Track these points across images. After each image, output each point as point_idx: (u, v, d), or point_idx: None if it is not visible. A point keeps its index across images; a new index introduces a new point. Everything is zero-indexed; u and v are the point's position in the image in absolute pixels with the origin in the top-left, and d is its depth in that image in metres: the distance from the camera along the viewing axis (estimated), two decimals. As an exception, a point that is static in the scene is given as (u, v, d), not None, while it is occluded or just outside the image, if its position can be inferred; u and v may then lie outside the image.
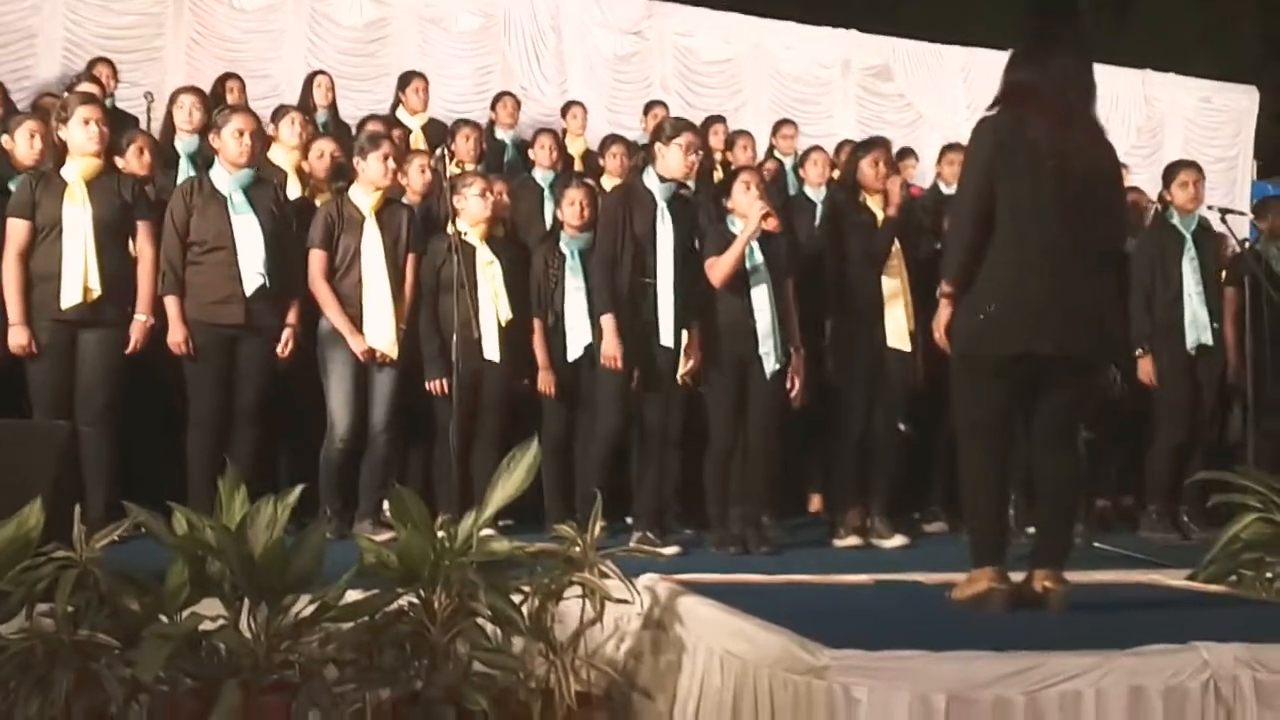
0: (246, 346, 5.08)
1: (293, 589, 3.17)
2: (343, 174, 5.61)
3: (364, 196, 5.33)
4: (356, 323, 5.21)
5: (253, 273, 5.02)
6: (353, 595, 3.27)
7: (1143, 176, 8.97)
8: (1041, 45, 3.75)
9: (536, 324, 5.64)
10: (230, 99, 7.13)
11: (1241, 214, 6.54)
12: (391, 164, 5.37)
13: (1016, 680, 2.72)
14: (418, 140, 7.67)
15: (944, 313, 3.75)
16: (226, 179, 5.10)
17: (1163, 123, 11.52)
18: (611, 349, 5.12)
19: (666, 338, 5.18)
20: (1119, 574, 4.54)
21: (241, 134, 5.11)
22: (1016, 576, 3.64)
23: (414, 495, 3.36)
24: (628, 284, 5.17)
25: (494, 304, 5.38)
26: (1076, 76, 3.72)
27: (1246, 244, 6.53)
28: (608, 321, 5.13)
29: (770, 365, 5.26)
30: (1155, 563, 4.89)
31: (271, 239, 5.09)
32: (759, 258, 5.32)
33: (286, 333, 5.15)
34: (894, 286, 5.65)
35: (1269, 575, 4.12)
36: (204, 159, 5.85)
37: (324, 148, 5.93)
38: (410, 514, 3.28)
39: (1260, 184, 11.56)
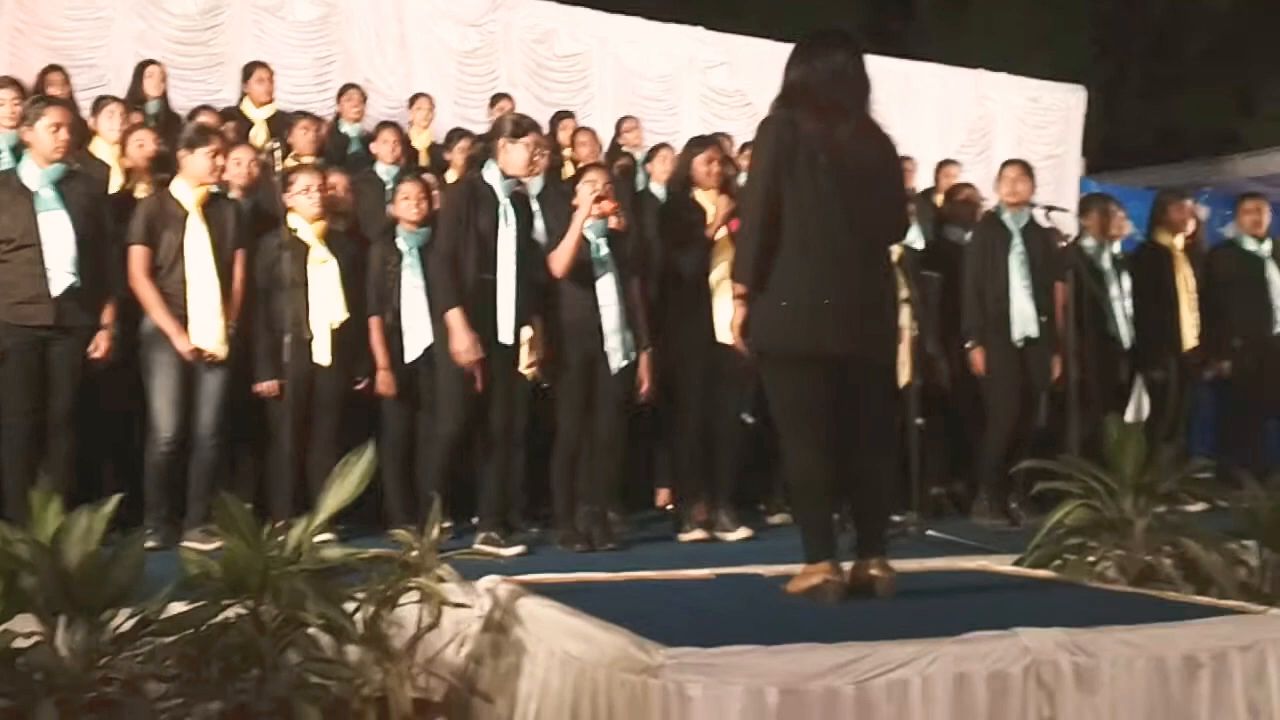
0: (58, 348, 4.87)
1: (111, 603, 3.03)
2: (165, 166, 5.40)
3: (187, 191, 5.14)
4: (182, 322, 5.02)
5: (62, 271, 4.81)
6: (177, 608, 3.15)
7: (975, 173, 9.25)
8: (814, 42, 3.79)
9: (374, 323, 5.52)
10: (53, 92, 6.79)
11: (1064, 210, 6.80)
12: (219, 161, 5.17)
13: (846, 671, 2.74)
14: (260, 133, 7.44)
15: (738, 313, 3.73)
16: (35, 173, 4.88)
17: (994, 121, 11.88)
18: (460, 344, 4.94)
19: (506, 335, 5.11)
20: (950, 561, 4.67)
21: (57, 128, 4.90)
22: (847, 566, 3.69)
23: (238, 502, 3.23)
24: (472, 281, 5.06)
25: (327, 304, 5.24)
26: (847, 72, 3.74)
27: (1069, 240, 6.79)
28: (454, 316, 4.96)
29: (616, 361, 5.25)
30: (985, 549, 5.04)
31: (84, 236, 4.88)
32: (604, 252, 5.31)
33: (101, 334, 4.95)
34: (724, 281, 5.69)
35: (1090, 559, 4.27)
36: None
37: (143, 138, 5.68)
38: (235, 522, 3.16)
39: (1086, 180, 12.04)
